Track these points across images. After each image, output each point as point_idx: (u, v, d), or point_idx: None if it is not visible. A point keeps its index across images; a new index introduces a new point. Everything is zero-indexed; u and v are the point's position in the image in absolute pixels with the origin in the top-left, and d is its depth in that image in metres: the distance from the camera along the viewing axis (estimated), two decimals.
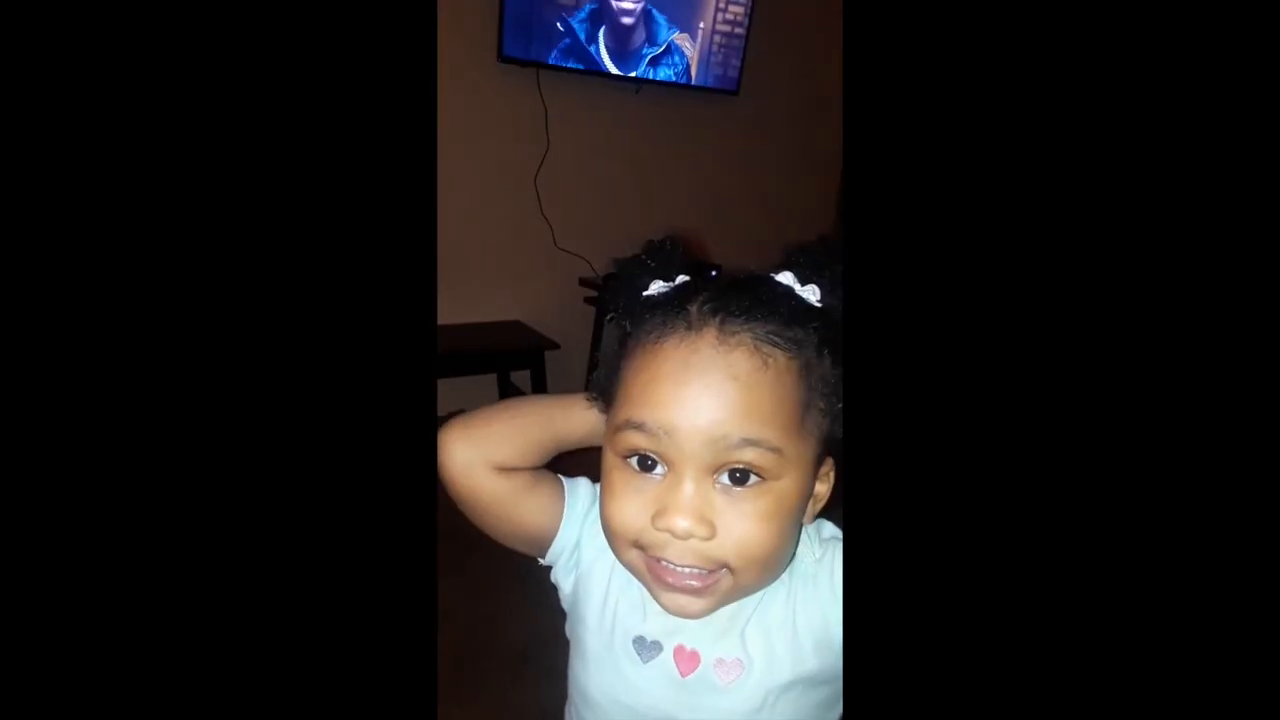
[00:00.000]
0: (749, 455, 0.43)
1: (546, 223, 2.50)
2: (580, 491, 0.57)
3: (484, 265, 2.45)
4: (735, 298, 0.45)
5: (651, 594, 0.48)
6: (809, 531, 0.53)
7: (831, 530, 0.55)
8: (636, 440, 0.45)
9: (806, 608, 0.51)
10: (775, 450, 0.44)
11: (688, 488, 0.44)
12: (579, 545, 0.56)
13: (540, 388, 2.35)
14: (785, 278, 0.48)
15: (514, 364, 2.40)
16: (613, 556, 0.51)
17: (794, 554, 0.51)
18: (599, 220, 2.59)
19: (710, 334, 0.44)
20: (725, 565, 0.45)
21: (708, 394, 0.43)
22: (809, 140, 3.02)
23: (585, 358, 2.59)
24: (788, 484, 0.45)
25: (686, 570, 0.45)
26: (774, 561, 0.47)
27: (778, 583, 0.51)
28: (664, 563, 0.45)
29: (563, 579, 0.58)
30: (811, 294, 0.48)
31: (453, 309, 2.38)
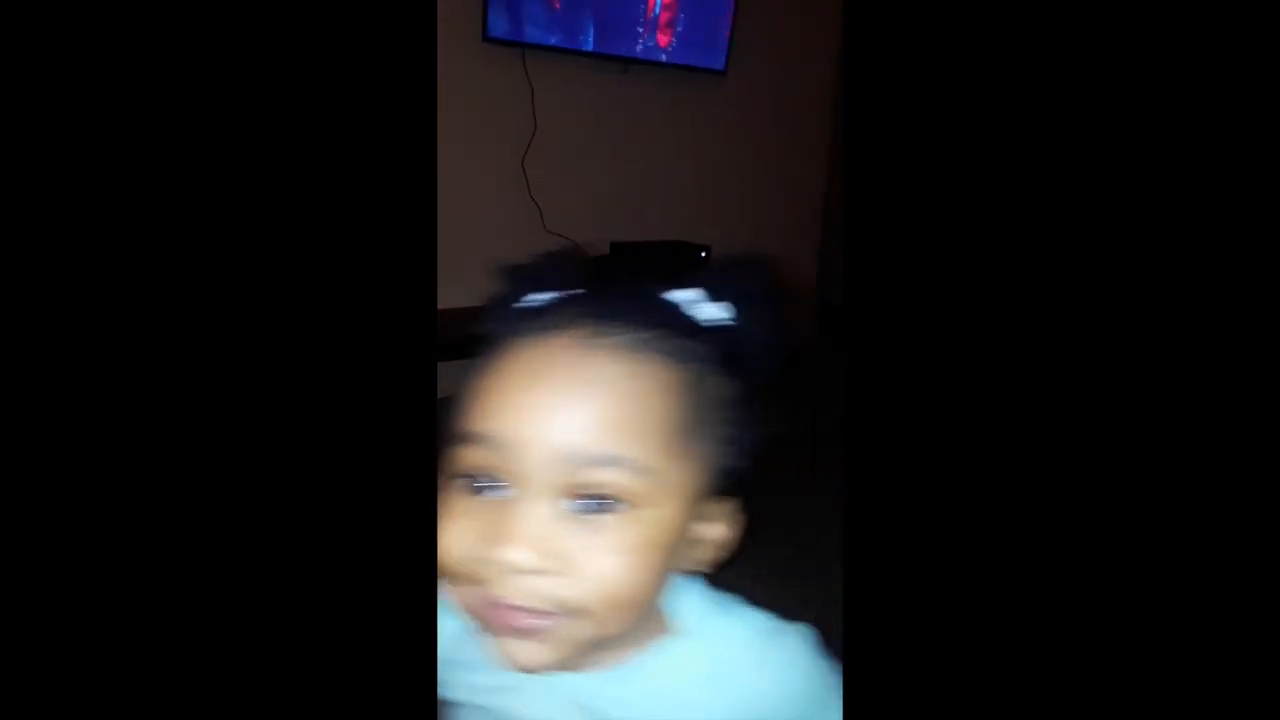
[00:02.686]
0: (609, 475, 0.36)
1: (535, 205, 2.48)
2: None
3: (473, 248, 2.42)
4: (613, 302, 0.40)
5: (488, 644, 0.39)
6: (709, 608, 0.44)
7: (769, 625, 0.44)
8: (474, 455, 0.38)
9: (696, 705, 0.42)
10: (642, 470, 0.36)
11: (531, 512, 0.36)
12: None
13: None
14: (693, 293, 0.43)
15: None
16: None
17: (660, 603, 0.42)
18: (588, 202, 2.58)
19: (575, 338, 0.38)
20: (578, 609, 0.37)
21: (560, 401, 0.36)
22: (797, 120, 3.00)
23: None
24: (660, 514, 0.37)
25: (525, 612, 0.37)
26: (636, 605, 0.38)
27: (653, 656, 0.42)
28: (500, 603, 0.37)
29: None
30: (719, 311, 0.42)
31: (443, 293, 2.36)
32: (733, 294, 0.42)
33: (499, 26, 2.21)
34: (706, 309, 0.42)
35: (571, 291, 0.43)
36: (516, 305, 0.43)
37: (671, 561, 0.40)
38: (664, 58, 2.51)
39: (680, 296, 0.42)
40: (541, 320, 0.40)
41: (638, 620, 0.40)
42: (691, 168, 2.80)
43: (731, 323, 0.42)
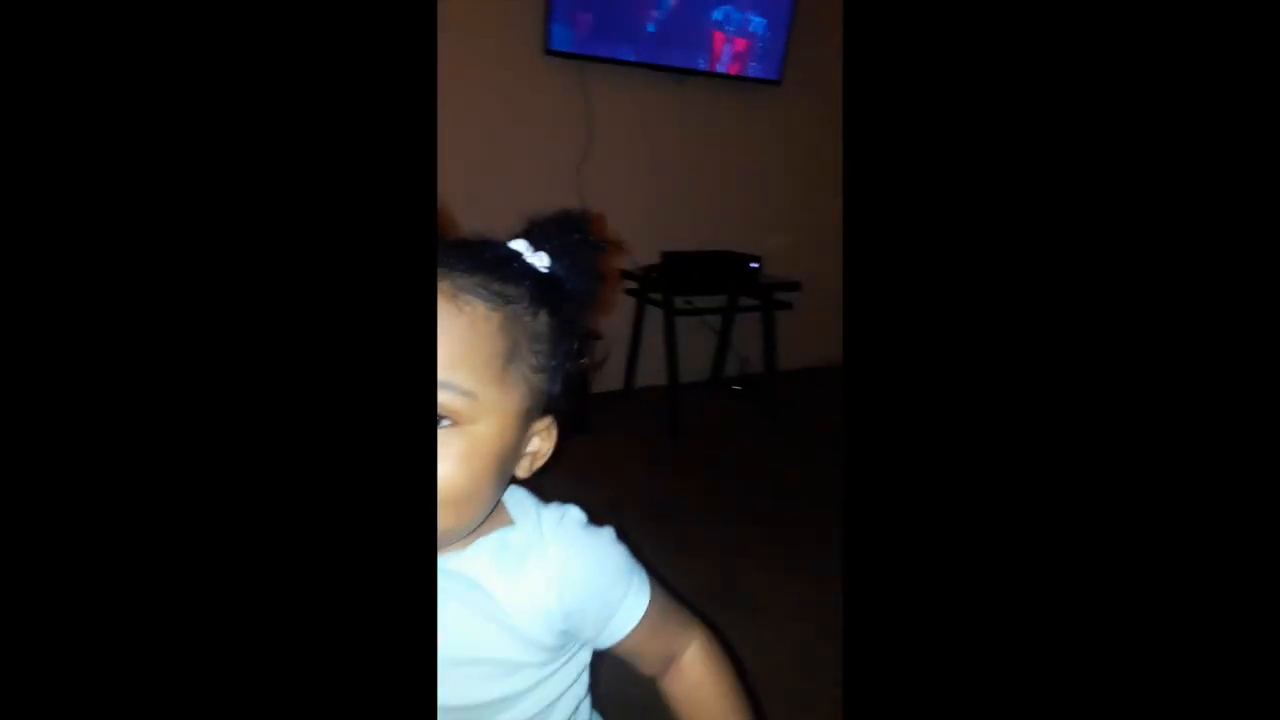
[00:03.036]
0: (442, 397, 0.44)
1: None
2: None
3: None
4: (446, 252, 0.47)
5: None
6: (531, 505, 0.54)
7: (573, 515, 0.55)
8: None
9: (512, 588, 0.51)
10: (467, 394, 0.44)
11: None
12: None
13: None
14: (517, 244, 0.51)
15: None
16: None
17: (495, 508, 0.51)
18: (640, 211, 2.61)
19: None
20: None
21: None
22: None
23: (626, 348, 2.61)
24: (484, 430, 0.46)
25: None
26: (469, 504, 0.47)
27: (483, 548, 0.51)
28: None
29: None
30: (539, 260, 0.50)
31: None
32: (551, 246, 0.51)
33: (560, 40, 2.27)
34: (530, 257, 0.50)
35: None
36: None
37: (500, 468, 0.48)
38: (720, 69, 2.54)
39: (509, 247, 0.51)
40: None
41: (477, 514, 0.49)
42: (745, 178, 2.81)
43: (549, 269, 0.50)
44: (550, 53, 2.28)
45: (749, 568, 1.62)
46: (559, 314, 0.49)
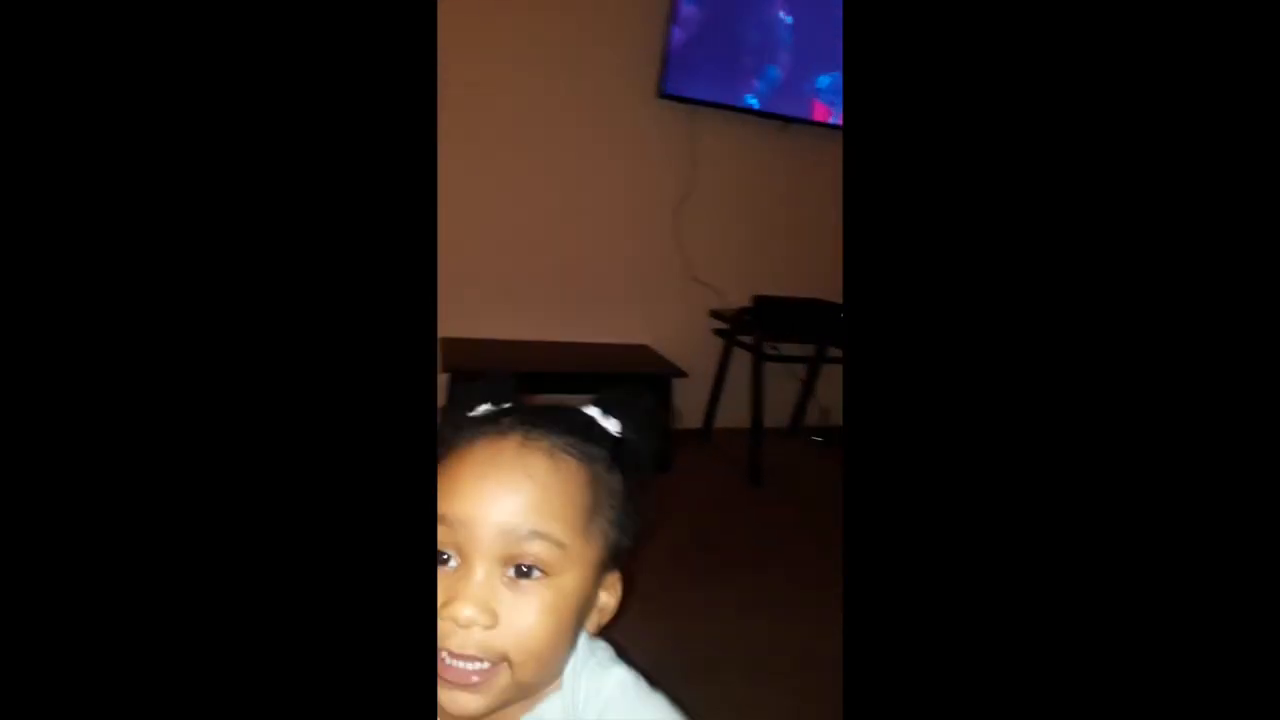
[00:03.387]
0: (536, 548, 0.47)
1: (683, 253, 2.57)
2: None
3: (617, 287, 2.55)
4: (540, 414, 0.53)
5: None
6: (586, 648, 0.54)
7: (608, 658, 0.54)
8: (438, 533, 0.48)
9: None
10: (560, 545, 0.48)
11: (477, 577, 0.47)
12: None
13: (666, 416, 2.38)
14: (590, 410, 0.56)
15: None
16: None
17: (568, 662, 0.52)
18: (735, 253, 2.63)
19: (514, 440, 0.50)
20: (505, 658, 0.47)
21: (505, 488, 0.48)
22: None
23: (710, 388, 2.62)
24: (569, 581, 0.49)
25: (466, 666, 0.47)
26: (551, 657, 0.49)
27: (554, 699, 0.52)
28: (445, 658, 0.47)
29: None
30: (611, 425, 0.55)
31: (581, 327, 2.49)
32: (620, 414, 0.56)
33: (673, 84, 2.35)
34: (604, 422, 0.55)
35: (504, 405, 0.57)
36: (468, 414, 0.56)
37: (579, 622, 0.51)
38: (829, 119, 2.55)
39: (586, 412, 0.56)
40: (484, 427, 0.52)
41: (556, 668, 0.51)
42: (841, 226, 2.78)
43: (621, 434, 0.55)
44: (664, 96, 2.35)
45: (835, 631, 1.58)
46: (630, 473, 0.54)
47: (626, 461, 0.54)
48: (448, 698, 0.47)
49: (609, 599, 0.54)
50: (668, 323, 2.64)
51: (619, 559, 0.54)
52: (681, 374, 2.38)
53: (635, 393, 0.57)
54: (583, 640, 0.54)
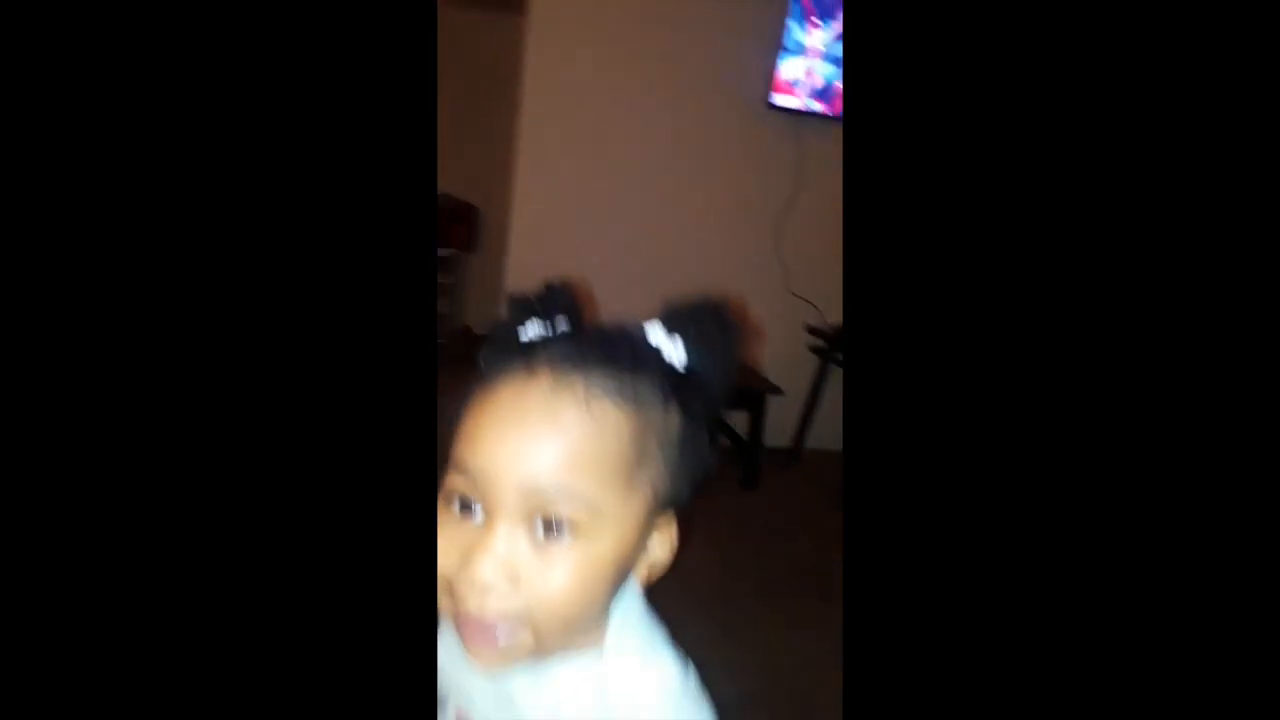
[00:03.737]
0: (564, 508, 0.42)
1: (783, 266, 2.52)
2: None
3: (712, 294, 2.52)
4: (580, 347, 0.44)
5: (461, 645, 0.46)
6: (636, 618, 0.49)
7: (659, 640, 0.48)
8: (457, 482, 0.44)
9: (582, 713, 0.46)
10: (589, 505, 0.42)
11: (499, 536, 0.42)
12: None
13: (757, 432, 2.36)
14: (652, 328, 0.47)
15: (731, 404, 2.43)
16: None
17: (604, 619, 0.47)
18: (836, 268, 2.56)
19: (544, 380, 0.43)
20: (527, 618, 0.43)
21: (528, 440, 0.42)
22: None
23: (802, 407, 2.56)
24: (602, 544, 0.43)
25: (487, 622, 0.43)
26: (575, 618, 0.44)
27: (585, 668, 0.47)
28: (468, 615, 0.43)
29: None
30: (675, 348, 0.46)
31: None
32: (687, 335, 0.47)
33: (783, 96, 2.32)
34: (666, 345, 0.47)
35: (561, 329, 0.48)
36: (516, 337, 0.48)
37: (614, 584, 0.46)
38: None
39: (647, 342, 0.46)
40: (514, 362, 0.45)
41: (576, 633, 0.46)
42: None
43: (685, 364, 0.47)
44: (772, 107, 2.32)
45: None
46: (690, 413, 0.46)
47: (688, 397, 0.46)
48: (472, 651, 0.44)
49: (661, 549, 0.49)
50: (764, 338, 2.59)
51: (676, 505, 0.48)
52: (777, 391, 2.34)
53: (707, 310, 0.48)
54: (634, 606, 0.49)
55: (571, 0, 2.32)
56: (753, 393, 2.32)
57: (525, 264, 2.43)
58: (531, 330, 0.48)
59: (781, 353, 2.56)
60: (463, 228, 3.68)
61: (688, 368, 0.47)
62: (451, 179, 3.57)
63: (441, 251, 3.59)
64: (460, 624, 0.44)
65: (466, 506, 0.44)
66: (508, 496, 0.42)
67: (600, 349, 0.45)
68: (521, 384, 0.44)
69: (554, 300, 0.49)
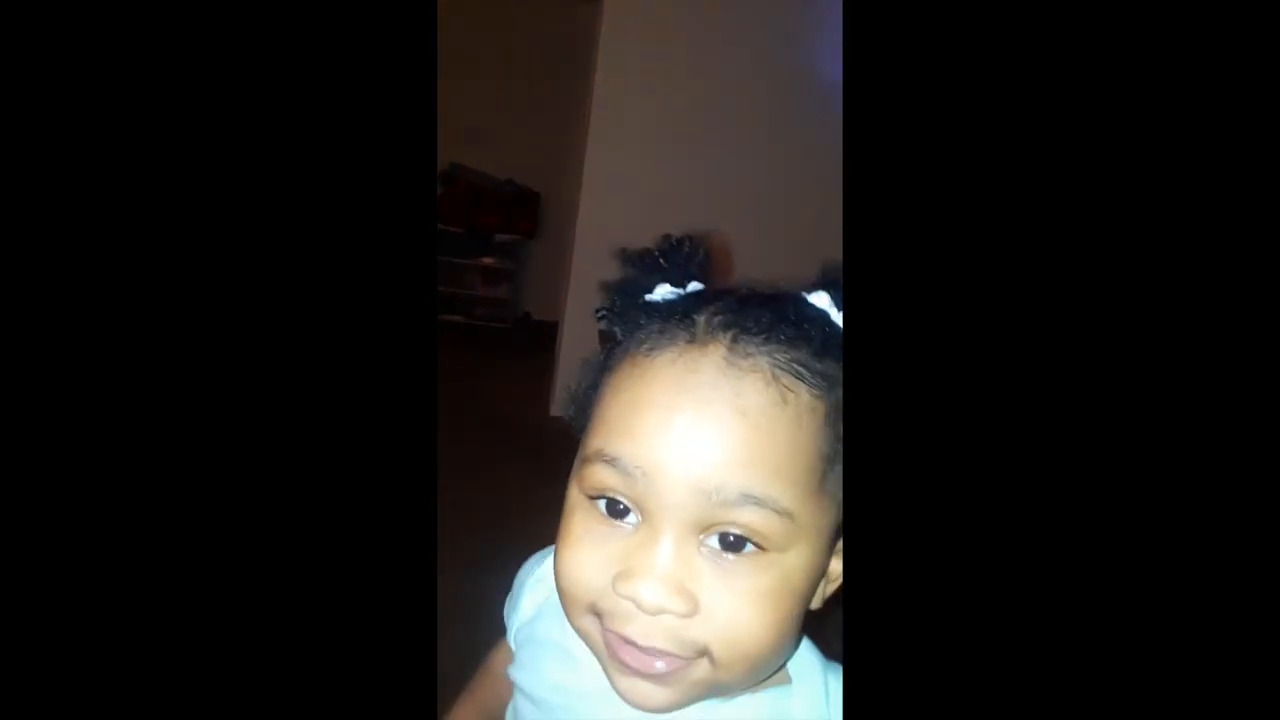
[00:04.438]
0: (749, 517, 0.33)
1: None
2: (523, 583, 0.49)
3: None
4: (755, 312, 0.35)
5: (607, 676, 0.37)
6: (816, 660, 0.40)
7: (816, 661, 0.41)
8: (607, 478, 0.35)
9: None
10: (785, 514, 0.33)
11: (665, 548, 0.33)
12: (526, 615, 0.47)
13: None
14: (819, 299, 0.38)
15: None
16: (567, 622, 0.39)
17: (794, 651, 0.38)
18: None
19: (717, 352, 0.34)
20: (705, 653, 0.34)
21: (704, 429, 0.33)
22: None
23: None
24: (796, 559, 0.34)
25: (653, 651, 0.34)
26: (767, 655, 0.36)
27: (770, 695, 0.39)
28: (624, 640, 0.35)
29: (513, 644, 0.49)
30: (840, 320, 0.37)
31: None
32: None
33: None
34: (838, 319, 0.37)
35: (696, 287, 0.40)
36: (643, 300, 0.39)
37: (804, 607, 0.37)
38: None
39: (817, 303, 0.38)
40: (671, 326, 0.36)
41: (774, 665, 0.37)
42: None
43: None
44: None
45: None
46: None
47: None
48: (627, 685, 0.36)
49: (838, 564, 0.39)
50: None
51: None
52: None
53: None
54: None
55: None
56: None
57: (591, 251, 2.41)
58: (661, 292, 0.39)
59: None
60: (525, 213, 3.70)
61: None
62: (517, 165, 3.59)
63: (503, 237, 3.65)
64: (615, 651, 0.36)
65: (616, 507, 0.35)
66: (679, 499, 0.33)
67: (779, 313, 0.36)
68: (688, 355, 0.35)
69: (685, 255, 0.40)
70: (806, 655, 0.41)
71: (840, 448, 0.35)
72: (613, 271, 0.41)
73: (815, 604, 0.39)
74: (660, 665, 0.35)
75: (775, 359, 0.34)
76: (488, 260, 3.71)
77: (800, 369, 0.34)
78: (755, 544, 0.34)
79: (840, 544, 0.38)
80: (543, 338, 3.03)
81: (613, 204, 2.43)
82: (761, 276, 0.41)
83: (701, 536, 0.34)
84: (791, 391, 0.34)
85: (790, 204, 2.41)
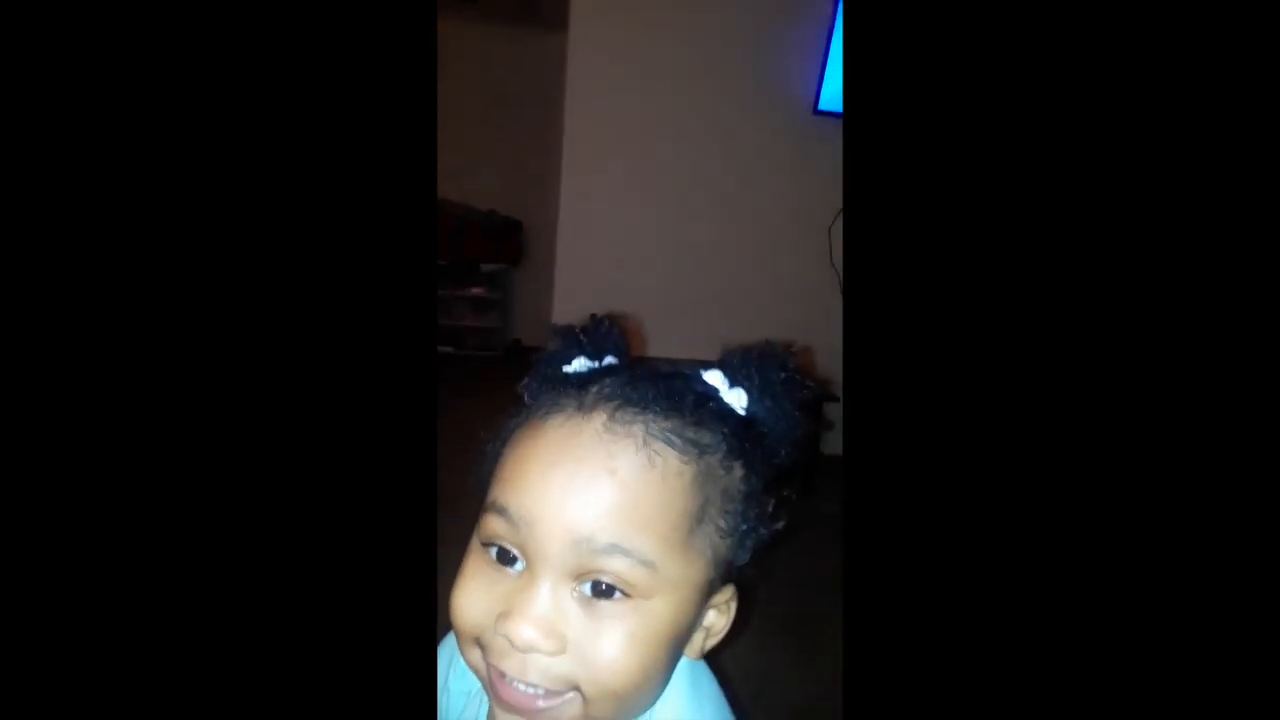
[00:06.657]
0: (617, 565, 0.37)
1: (836, 273, 2.47)
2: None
3: (767, 306, 2.49)
4: (638, 385, 0.40)
5: (492, 706, 0.41)
6: (692, 680, 0.43)
7: (709, 696, 0.44)
8: (498, 527, 0.39)
9: None
10: (648, 564, 0.37)
11: (541, 591, 0.37)
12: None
13: (814, 441, 2.30)
14: (712, 377, 0.43)
15: (794, 463, 2.37)
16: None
17: (660, 695, 0.42)
18: None
19: (599, 419, 0.39)
20: (576, 689, 0.38)
21: (579, 485, 0.37)
22: None
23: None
24: (661, 606, 0.38)
25: (527, 688, 0.38)
26: (633, 694, 0.39)
27: None
28: (501, 675, 0.39)
29: None
30: (737, 399, 0.42)
31: (729, 341, 2.45)
32: (750, 384, 0.42)
33: (830, 100, 2.27)
34: (727, 396, 0.42)
35: (610, 362, 0.45)
36: (563, 369, 0.45)
37: (672, 652, 0.41)
38: None
39: (705, 383, 0.43)
40: (564, 397, 0.41)
41: (641, 705, 0.41)
42: None
43: (748, 411, 0.42)
44: (819, 113, 2.28)
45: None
46: (754, 468, 0.42)
47: (751, 450, 0.42)
48: (503, 714, 0.40)
49: (719, 619, 0.43)
50: (816, 347, 2.54)
51: (733, 574, 0.43)
52: (834, 399, 2.28)
53: (771, 356, 0.43)
54: (683, 667, 0.44)
55: (611, 14, 2.33)
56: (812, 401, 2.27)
57: (573, 277, 2.43)
58: (578, 365, 0.45)
59: (835, 362, 2.49)
60: (509, 242, 3.72)
61: (749, 417, 0.43)
62: (498, 196, 3.62)
63: (488, 266, 3.67)
64: (494, 684, 0.40)
65: (505, 555, 0.40)
66: (554, 548, 0.38)
67: (660, 389, 0.40)
68: (573, 421, 0.39)
69: (601, 334, 0.45)
70: (675, 697, 0.44)
71: (709, 509, 0.40)
72: (596, 292, 0.46)
73: (693, 655, 0.44)
74: (539, 702, 0.39)
75: (649, 428, 0.39)
76: (476, 290, 3.73)
77: (672, 436, 0.39)
78: (622, 591, 0.38)
79: (722, 598, 0.43)
80: None
81: (591, 228, 2.45)
82: (734, 294, 0.46)
83: (574, 583, 0.38)
84: (660, 456, 0.38)
85: (767, 221, 2.44)
